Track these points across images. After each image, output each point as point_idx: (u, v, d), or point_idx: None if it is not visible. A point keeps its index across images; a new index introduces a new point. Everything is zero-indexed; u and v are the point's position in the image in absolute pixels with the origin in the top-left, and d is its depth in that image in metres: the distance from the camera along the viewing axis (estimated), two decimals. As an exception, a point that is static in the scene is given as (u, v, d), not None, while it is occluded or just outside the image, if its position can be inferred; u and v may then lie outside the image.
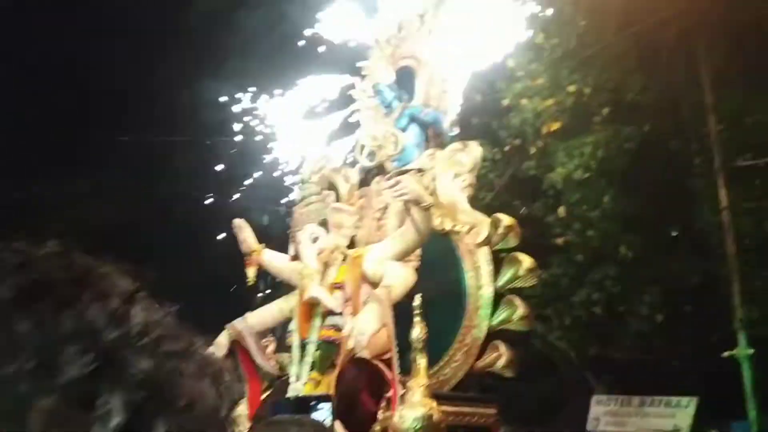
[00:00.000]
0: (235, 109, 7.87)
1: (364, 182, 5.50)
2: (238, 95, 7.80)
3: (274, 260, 5.03)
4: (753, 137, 9.82)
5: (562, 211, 10.09)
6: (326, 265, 4.58)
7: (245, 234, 5.00)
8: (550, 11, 5.07)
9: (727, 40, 9.97)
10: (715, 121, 9.50)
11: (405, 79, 5.57)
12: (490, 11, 5.29)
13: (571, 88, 9.78)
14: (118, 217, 11.58)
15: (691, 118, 9.97)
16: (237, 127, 8.13)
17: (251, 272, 4.94)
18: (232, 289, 7.91)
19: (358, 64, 6.04)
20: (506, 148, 10.56)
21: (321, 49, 6.68)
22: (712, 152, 9.48)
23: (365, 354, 3.98)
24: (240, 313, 4.95)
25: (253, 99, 6.82)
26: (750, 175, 9.84)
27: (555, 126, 9.95)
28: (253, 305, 5.50)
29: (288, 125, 6.08)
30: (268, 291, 7.33)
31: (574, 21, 7.85)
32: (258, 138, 6.53)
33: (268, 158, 6.53)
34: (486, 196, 10.02)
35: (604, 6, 9.09)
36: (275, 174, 6.55)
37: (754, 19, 9.13)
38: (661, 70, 9.75)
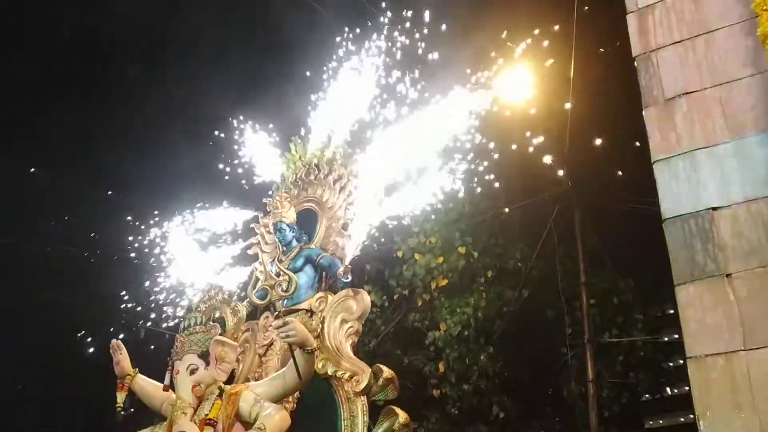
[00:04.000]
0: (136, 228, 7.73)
1: (252, 315, 5.49)
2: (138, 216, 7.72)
3: (146, 387, 4.81)
4: (619, 315, 10.63)
5: (441, 366, 10.29)
6: (200, 399, 4.45)
7: (121, 356, 4.80)
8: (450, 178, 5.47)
9: (601, 224, 11.01)
10: (587, 296, 10.25)
11: (306, 221, 5.73)
12: (396, 170, 5.63)
13: (461, 249, 10.34)
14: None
15: (566, 290, 10.69)
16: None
17: (121, 397, 4.70)
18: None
19: (264, 200, 6.20)
20: (395, 297, 10.83)
21: (229, 178, 6.82)
22: (583, 325, 10.13)
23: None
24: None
25: (157, 221, 6.77)
26: (614, 351, 10.53)
27: (443, 282, 10.38)
28: (115, 425, 5.18)
29: (186, 250, 6.05)
30: (131, 410, 6.93)
31: (469, 189, 8.49)
32: (152, 259, 6.41)
33: (159, 279, 6.40)
34: (371, 342, 10.12)
35: (497, 178, 9.91)
36: (162, 297, 6.39)
37: (626, 206, 10.19)
38: (543, 243, 10.54)
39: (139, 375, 4.82)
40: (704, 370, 2.95)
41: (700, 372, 2.96)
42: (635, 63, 3.57)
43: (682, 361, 3.14)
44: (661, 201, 3.28)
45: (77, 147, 12.81)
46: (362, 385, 4.62)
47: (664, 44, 3.49)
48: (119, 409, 4.70)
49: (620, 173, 10.17)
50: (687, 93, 3.38)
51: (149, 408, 4.88)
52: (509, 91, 9.06)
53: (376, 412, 4.75)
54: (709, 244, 3.10)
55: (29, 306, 11.55)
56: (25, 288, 11.49)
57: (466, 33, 9.62)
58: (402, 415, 4.61)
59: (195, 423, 4.29)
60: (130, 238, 7.63)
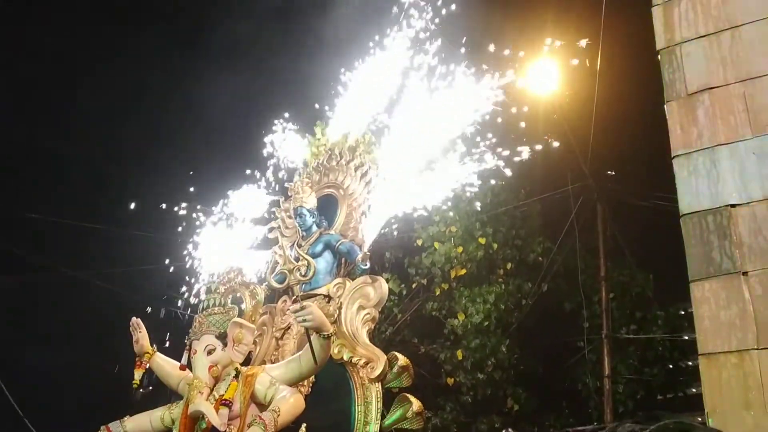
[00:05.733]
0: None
1: (270, 299, 5.55)
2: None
3: (164, 365, 4.91)
4: (637, 311, 10.55)
5: (459, 354, 10.32)
6: (217, 379, 4.52)
7: (140, 334, 4.90)
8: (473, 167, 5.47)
9: (623, 218, 10.92)
10: (607, 290, 10.19)
11: (326, 207, 5.77)
12: (418, 158, 5.64)
13: (482, 240, 10.33)
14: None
15: (585, 284, 10.63)
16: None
17: (138, 374, 4.79)
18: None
19: (286, 185, 6.24)
20: (413, 285, 10.86)
21: (254, 163, 6.86)
22: (601, 319, 10.08)
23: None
24: (120, 411, 4.77)
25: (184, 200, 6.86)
26: (631, 347, 10.46)
27: (462, 272, 10.39)
28: (132, 401, 5.29)
29: (212, 231, 6.14)
30: (150, 388, 7.06)
31: (491, 180, 8.50)
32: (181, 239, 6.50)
33: (182, 260, 6.49)
34: (387, 329, 10.17)
35: (519, 170, 9.86)
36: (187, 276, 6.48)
37: (648, 202, 10.10)
38: (563, 237, 10.49)
39: (158, 353, 4.91)
40: (716, 367, 2.94)
41: (711, 369, 2.95)
42: (659, 56, 3.53)
43: (699, 353, 3.12)
44: (679, 196, 3.25)
45: (107, 130, 13.03)
46: (377, 372, 4.66)
47: (689, 38, 3.44)
48: (136, 386, 4.80)
49: (643, 168, 10.08)
50: (710, 88, 3.33)
51: (166, 386, 4.98)
52: (534, 83, 9.01)
53: (390, 399, 4.80)
54: (726, 241, 3.07)
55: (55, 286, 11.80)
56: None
57: (493, 23, 9.57)
58: (415, 403, 4.65)
59: (211, 403, 4.36)
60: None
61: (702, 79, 3.37)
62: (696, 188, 3.20)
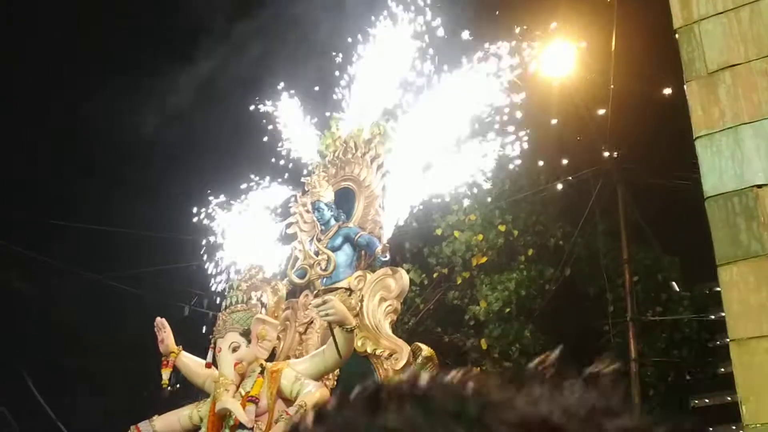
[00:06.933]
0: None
1: (292, 294, 5.56)
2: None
3: (190, 364, 4.93)
4: (662, 293, 10.44)
5: (483, 343, 10.30)
6: (242, 376, 4.54)
7: (165, 334, 4.92)
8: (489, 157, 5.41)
9: (645, 200, 10.80)
10: (630, 273, 10.09)
11: (344, 200, 5.76)
12: (434, 147, 5.60)
13: (501, 227, 10.27)
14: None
15: (608, 267, 10.54)
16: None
17: (166, 374, 4.83)
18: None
19: (302, 179, 6.23)
20: (434, 275, 10.84)
21: (269, 158, 6.86)
22: (626, 302, 9.99)
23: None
24: (148, 410, 4.81)
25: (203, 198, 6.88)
26: (658, 329, 10.37)
27: (483, 259, 10.35)
28: (160, 399, 5.34)
29: (231, 228, 6.16)
30: (177, 385, 7.12)
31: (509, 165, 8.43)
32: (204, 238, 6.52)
33: (202, 258, 6.51)
34: (410, 320, 10.16)
35: (538, 155, 9.79)
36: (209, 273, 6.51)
37: (669, 182, 9.97)
38: (584, 220, 10.40)
39: (183, 352, 4.93)
40: (747, 353, 2.86)
41: (742, 355, 2.87)
42: (676, 35, 3.43)
43: (728, 339, 3.06)
44: (703, 178, 3.16)
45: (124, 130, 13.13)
46: (401, 364, 4.65)
47: (707, 15, 3.34)
48: (165, 385, 4.83)
49: (663, 147, 9.94)
50: (731, 66, 3.22)
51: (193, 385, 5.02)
52: (550, 66, 8.92)
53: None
54: (754, 222, 2.98)
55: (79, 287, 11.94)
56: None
57: (508, 6, 9.47)
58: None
59: (237, 400, 4.38)
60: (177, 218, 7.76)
61: (722, 57, 3.26)
62: (720, 169, 3.10)
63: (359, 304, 5.00)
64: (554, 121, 9.87)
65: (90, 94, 13.10)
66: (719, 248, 3.04)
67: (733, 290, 2.96)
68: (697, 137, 3.22)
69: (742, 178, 3.06)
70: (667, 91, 9.65)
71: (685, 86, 3.36)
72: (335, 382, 4.84)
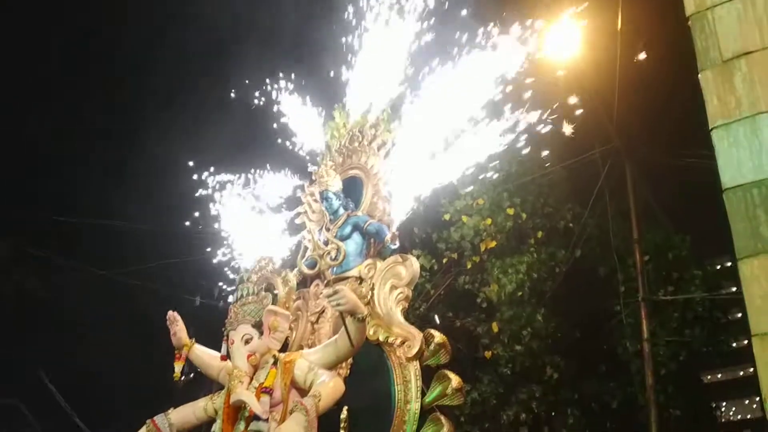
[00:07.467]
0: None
1: (303, 283, 5.55)
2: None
3: (203, 356, 4.95)
4: (674, 271, 10.39)
5: (495, 326, 10.29)
6: (256, 368, 4.55)
7: (178, 327, 4.94)
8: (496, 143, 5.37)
9: (653, 179, 10.72)
10: (641, 253, 10.04)
11: (352, 188, 5.73)
12: (439, 132, 5.57)
13: (510, 210, 10.23)
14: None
15: (619, 247, 10.50)
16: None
17: (178, 367, 4.84)
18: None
19: (309, 169, 6.22)
20: (444, 261, 10.82)
21: (277, 145, 6.83)
22: (637, 282, 9.95)
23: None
24: (163, 404, 4.83)
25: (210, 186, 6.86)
26: (670, 308, 10.33)
27: (492, 244, 10.31)
28: (174, 390, 5.37)
29: (239, 219, 6.15)
30: (192, 375, 7.15)
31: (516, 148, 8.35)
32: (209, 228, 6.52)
33: (210, 250, 6.51)
34: (421, 306, 10.16)
35: (544, 136, 9.69)
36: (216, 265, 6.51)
37: (678, 160, 9.89)
38: (594, 201, 10.34)
39: (196, 345, 4.94)
40: (770, 349, 2.80)
41: (765, 351, 2.80)
42: (689, 23, 3.33)
43: (740, 315, 2.99)
44: (720, 170, 3.05)
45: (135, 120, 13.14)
46: (414, 351, 4.64)
47: (721, 1, 3.24)
48: (176, 378, 4.85)
49: (671, 127, 9.86)
50: (747, 53, 3.12)
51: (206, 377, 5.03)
52: (556, 47, 8.82)
53: (429, 375, 4.78)
54: (774, 215, 2.91)
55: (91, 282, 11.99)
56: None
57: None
58: (455, 380, 4.63)
59: (251, 391, 4.39)
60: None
61: (737, 44, 3.16)
62: (738, 160, 3.00)
63: (370, 292, 4.99)
64: (561, 103, 9.79)
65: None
66: (739, 241, 2.95)
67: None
68: (713, 127, 3.13)
69: (761, 169, 2.97)
70: (675, 69, 9.54)
71: (699, 75, 3.26)
72: (348, 371, 4.84)
